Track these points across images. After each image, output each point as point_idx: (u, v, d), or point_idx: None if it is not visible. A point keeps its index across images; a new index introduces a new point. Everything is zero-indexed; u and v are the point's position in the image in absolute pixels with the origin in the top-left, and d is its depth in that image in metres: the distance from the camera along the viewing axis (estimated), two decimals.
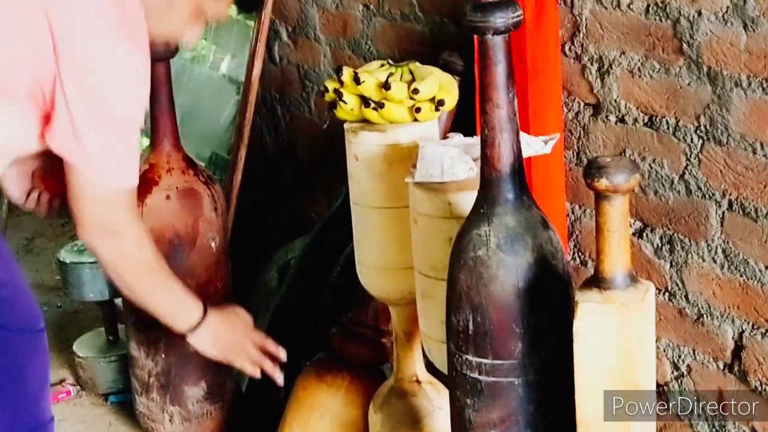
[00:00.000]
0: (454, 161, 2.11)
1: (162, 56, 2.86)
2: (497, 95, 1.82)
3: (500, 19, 1.78)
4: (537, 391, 1.87)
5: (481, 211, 1.87)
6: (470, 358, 1.88)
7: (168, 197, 2.84)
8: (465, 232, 1.89)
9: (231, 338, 2.49)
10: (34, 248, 4.49)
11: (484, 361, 1.87)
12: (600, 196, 1.68)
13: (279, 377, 2.54)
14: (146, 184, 2.82)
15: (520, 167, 1.86)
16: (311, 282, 2.94)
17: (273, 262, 3.34)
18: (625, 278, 1.72)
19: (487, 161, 1.86)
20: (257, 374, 2.54)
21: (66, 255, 3.36)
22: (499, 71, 1.81)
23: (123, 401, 3.28)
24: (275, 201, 3.51)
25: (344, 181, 3.23)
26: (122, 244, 2.26)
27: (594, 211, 1.71)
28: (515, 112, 1.84)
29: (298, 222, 3.43)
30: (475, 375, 1.88)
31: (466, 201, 2.06)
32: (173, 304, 2.42)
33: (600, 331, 1.70)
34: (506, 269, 1.83)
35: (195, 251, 2.90)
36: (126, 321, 3.05)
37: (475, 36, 1.83)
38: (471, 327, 1.87)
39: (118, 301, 3.39)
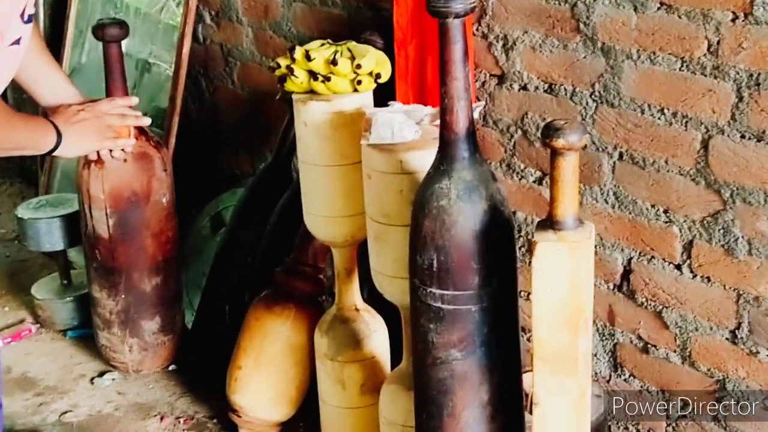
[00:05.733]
0: (402, 125, 2.04)
1: (116, 37, 2.71)
2: (456, 69, 1.76)
3: (460, 4, 1.72)
4: (489, 316, 1.84)
5: (441, 167, 1.82)
6: (434, 290, 1.83)
7: (125, 160, 2.68)
8: (427, 186, 1.83)
9: (91, 128, 2.26)
10: None
11: (446, 292, 1.82)
12: (556, 153, 1.64)
13: (145, 120, 2.42)
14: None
15: (473, 130, 1.81)
16: (250, 230, 2.84)
17: (205, 213, 3.22)
18: (575, 221, 1.69)
19: (446, 125, 1.80)
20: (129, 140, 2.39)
21: (23, 212, 3.16)
22: (458, 49, 1.75)
23: (81, 335, 3.12)
24: (202, 161, 3.37)
25: (266, 143, 3.15)
26: None
27: (549, 166, 1.67)
28: (470, 84, 1.79)
29: (224, 178, 3.30)
30: (438, 304, 1.84)
31: (413, 159, 2.02)
32: (31, 138, 2.16)
33: (555, 266, 1.67)
34: (465, 216, 1.79)
35: (150, 206, 2.77)
36: (88, 267, 2.88)
37: (437, 18, 1.75)
38: (435, 265, 1.82)
39: (70, 251, 3.24)
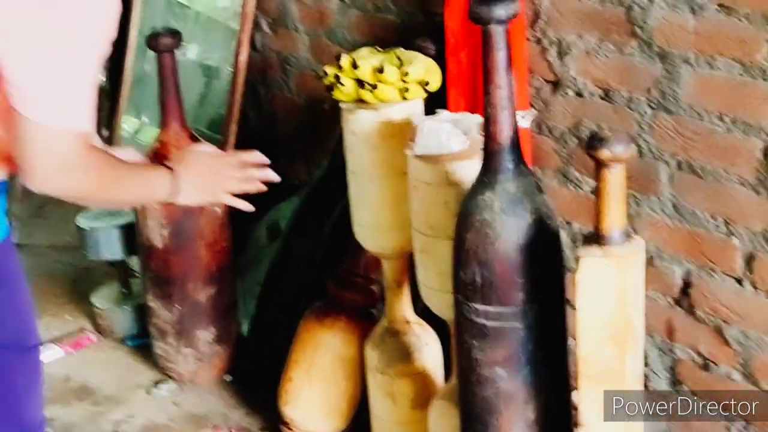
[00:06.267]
0: (449, 135, 1.99)
1: (169, 47, 2.70)
2: (499, 77, 1.70)
3: (502, 10, 1.66)
4: (535, 333, 1.77)
5: (485, 179, 1.76)
6: (477, 306, 1.78)
7: None
8: (471, 198, 1.78)
9: (210, 176, 2.00)
10: (44, 214, 4.26)
11: (490, 309, 1.76)
12: (601, 165, 1.57)
13: (273, 175, 2.05)
14: (158, 160, 2.65)
15: (517, 140, 1.75)
16: (305, 240, 2.81)
17: (262, 223, 3.20)
18: (621, 235, 1.62)
19: (489, 135, 1.74)
20: (248, 206, 2.07)
21: (83, 221, 3.18)
22: (501, 57, 1.70)
23: (140, 344, 3.12)
24: None
25: (322, 151, 3.11)
26: (81, 181, 1.78)
27: (595, 178, 1.60)
28: (513, 92, 1.72)
29: (282, 187, 3.26)
30: (482, 321, 1.78)
31: (460, 169, 1.96)
32: (144, 189, 1.96)
33: (600, 281, 1.61)
34: (509, 229, 1.73)
35: (203, 216, 2.76)
36: (144, 276, 2.88)
37: (479, 25, 1.69)
38: (478, 280, 1.76)
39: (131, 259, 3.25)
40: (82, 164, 1.74)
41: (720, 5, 1.93)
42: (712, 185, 2.04)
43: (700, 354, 2.17)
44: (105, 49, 1.69)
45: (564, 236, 2.39)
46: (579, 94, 2.26)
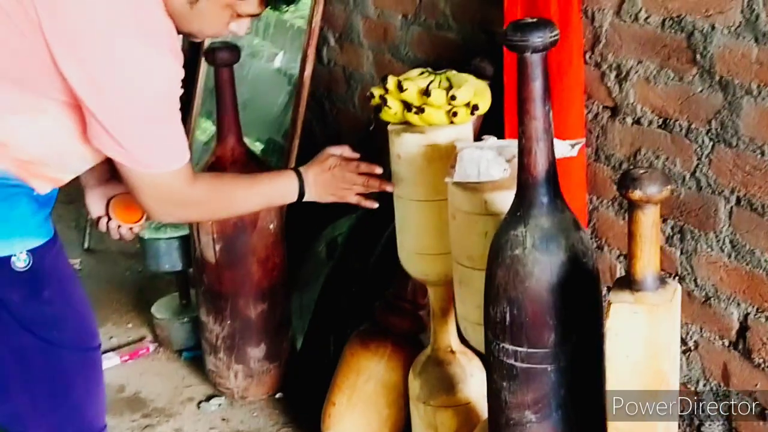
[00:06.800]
0: (490, 163, 1.91)
1: (226, 62, 2.67)
2: (534, 108, 1.61)
3: (538, 38, 1.57)
4: (568, 377, 1.68)
5: (518, 213, 1.67)
6: (507, 346, 1.69)
7: None
8: (503, 232, 1.69)
9: (336, 179, 2.17)
10: None
11: (520, 349, 1.68)
12: (633, 206, 1.47)
13: (389, 186, 2.19)
14: None
15: (553, 173, 1.66)
16: (356, 260, 2.75)
17: (322, 238, 3.16)
18: (655, 280, 1.51)
19: (524, 168, 1.65)
20: (372, 204, 2.21)
21: (144, 231, 3.17)
22: (536, 86, 1.60)
23: (195, 357, 3.11)
24: None
25: (383, 170, 3.05)
26: (195, 210, 2.01)
27: (626, 213, 1.50)
28: (550, 124, 1.64)
29: (342, 203, 3.22)
30: (511, 361, 1.69)
31: (500, 199, 1.88)
32: (270, 195, 2.14)
33: (631, 329, 1.51)
34: (541, 267, 1.64)
35: (256, 232, 2.72)
36: (196, 290, 2.87)
37: (515, 53, 1.61)
38: (508, 318, 1.67)
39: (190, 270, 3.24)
40: (192, 195, 1.92)
41: None
42: None
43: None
44: (178, 90, 1.79)
45: (620, 270, 2.29)
46: (637, 122, 2.15)
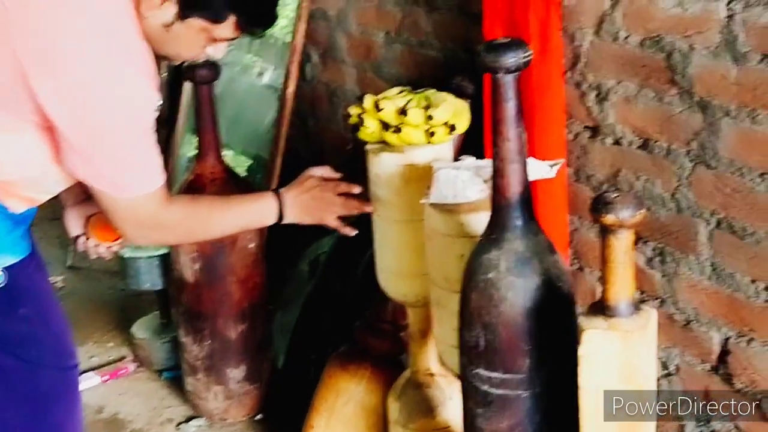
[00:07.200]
0: (466, 184, 1.88)
1: (205, 79, 2.65)
2: (507, 130, 1.59)
3: (511, 59, 1.55)
4: (543, 403, 1.64)
5: (492, 236, 1.64)
6: (481, 372, 1.66)
7: None
8: (476, 255, 1.66)
9: (315, 201, 2.14)
10: None
11: (494, 375, 1.64)
12: (606, 230, 1.45)
13: (368, 207, 2.15)
14: (192, 192, 2.60)
15: (528, 195, 1.63)
16: (337, 280, 2.72)
17: (305, 256, 3.12)
18: (629, 306, 1.49)
19: (497, 190, 1.63)
20: (350, 231, 2.17)
21: (125, 250, 3.14)
22: (509, 107, 1.58)
23: (175, 377, 3.07)
24: None
25: (365, 187, 3.02)
26: (171, 233, 1.99)
27: (599, 232, 1.47)
28: (523, 145, 1.61)
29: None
30: (486, 387, 1.66)
31: (477, 221, 1.85)
32: (248, 218, 2.11)
33: (604, 356, 1.48)
34: (515, 291, 1.61)
35: (235, 252, 2.69)
36: (176, 310, 2.84)
37: (488, 74, 1.58)
38: (482, 344, 1.64)
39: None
40: (167, 218, 1.90)
41: (764, 55, 1.79)
42: (753, 247, 1.89)
43: (738, 429, 2.01)
44: (153, 112, 1.77)
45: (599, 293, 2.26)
46: (617, 143, 2.13)
